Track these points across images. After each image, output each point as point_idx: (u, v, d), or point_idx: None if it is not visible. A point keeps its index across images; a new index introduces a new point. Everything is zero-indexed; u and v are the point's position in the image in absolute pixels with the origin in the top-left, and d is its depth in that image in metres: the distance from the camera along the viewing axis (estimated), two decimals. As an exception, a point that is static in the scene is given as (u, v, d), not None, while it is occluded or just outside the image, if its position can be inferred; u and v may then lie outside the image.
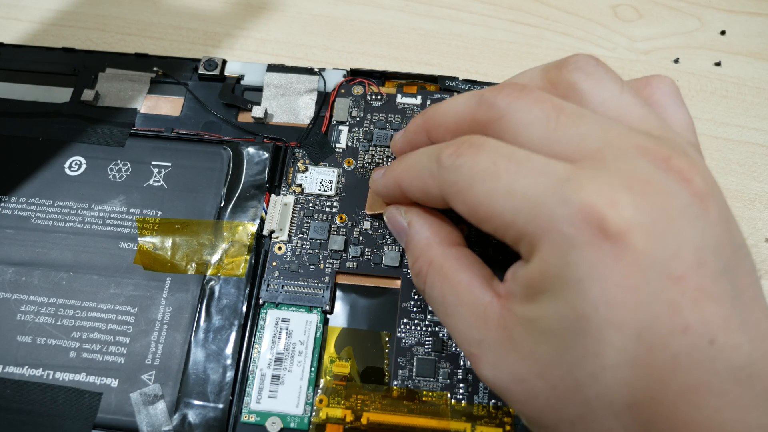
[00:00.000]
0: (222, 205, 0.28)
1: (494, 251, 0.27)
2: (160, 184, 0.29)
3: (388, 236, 0.28)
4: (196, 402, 0.24)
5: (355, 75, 0.32)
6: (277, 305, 0.26)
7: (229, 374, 0.25)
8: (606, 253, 0.14)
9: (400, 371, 0.25)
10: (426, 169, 0.19)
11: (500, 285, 0.18)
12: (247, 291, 0.26)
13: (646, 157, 0.15)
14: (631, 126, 0.17)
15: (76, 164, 0.29)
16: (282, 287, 0.27)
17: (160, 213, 0.28)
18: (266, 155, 0.29)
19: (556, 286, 0.15)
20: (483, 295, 0.18)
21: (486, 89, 0.19)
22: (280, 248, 0.27)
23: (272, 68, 0.32)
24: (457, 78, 0.31)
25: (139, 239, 0.28)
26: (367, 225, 0.28)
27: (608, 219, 0.14)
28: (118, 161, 0.29)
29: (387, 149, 0.30)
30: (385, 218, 0.23)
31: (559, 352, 0.15)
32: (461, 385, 0.25)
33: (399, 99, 0.31)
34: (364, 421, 0.24)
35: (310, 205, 0.28)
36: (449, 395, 0.25)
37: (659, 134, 0.16)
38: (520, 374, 0.16)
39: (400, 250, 0.27)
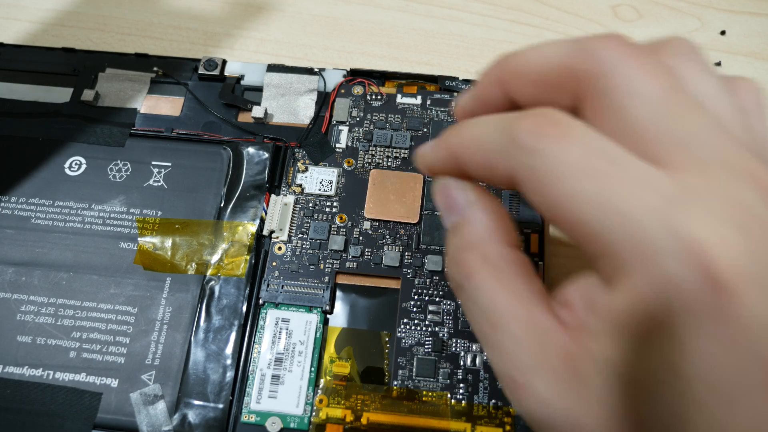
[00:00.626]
0: (222, 205, 0.28)
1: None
2: (160, 184, 0.29)
3: (387, 236, 0.28)
4: (196, 402, 0.24)
5: (355, 75, 0.32)
6: (277, 305, 0.26)
7: (229, 374, 0.25)
8: (716, 311, 0.12)
9: (400, 371, 0.25)
10: (493, 141, 0.16)
11: (564, 310, 0.15)
12: (247, 291, 0.26)
13: (757, 189, 0.13)
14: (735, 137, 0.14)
15: (76, 164, 0.29)
16: (282, 287, 0.27)
17: (160, 213, 0.28)
18: (266, 155, 0.29)
19: (652, 334, 0.13)
20: (542, 316, 0.15)
21: (584, 37, 0.15)
22: (280, 248, 0.27)
23: (272, 68, 0.32)
24: (457, 78, 0.31)
25: (139, 239, 0.28)
26: (367, 225, 0.28)
27: (719, 265, 0.12)
28: (118, 161, 0.29)
29: (387, 149, 0.30)
30: (434, 188, 0.19)
31: (640, 409, 0.13)
32: (461, 385, 0.25)
33: (399, 99, 0.31)
34: (364, 421, 0.24)
35: (310, 205, 0.28)
36: (449, 395, 0.25)
37: (758, 153, 0.14)
38: (579, 419, 0.14)
39: (400, 251, 0.27)
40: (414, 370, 0.25)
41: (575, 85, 0.16)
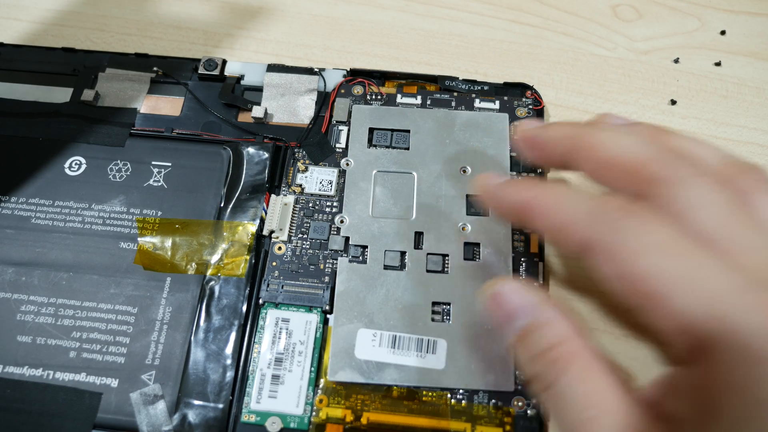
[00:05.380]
0: (222, 205, 0.28)
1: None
2: (160, 184, 0.29)
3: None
4: (196, 402, 0.24)
5: (355, 75, 0.32)
6: (277, 305, 0.26)
7: (229, 374, 0.25)
8: None
9: (400, 371, 0.25)
10: (578, 211, 0.17)
11: (656, 405, 0.16)
12: (247, 291, 0.26)
13: None
14: None
15: (76, 164, 0.29)
16: (282, 287, 0.27)
17: (160, 213, 0.28)
18: (266, 155, 0.29)
19: (740, 408, 0.13)
20: (635, 405, 0.16)
21: (661, 143, 0.18)
22: (280, 248, 0.27)
23: (272, 68, 0.32)
24: (457, 78, 0.31)
25: (139, 239, 0.28)
26: (367, 225, 0.28)
27: None
28: (118, 161, 0.29)
29: (387, 149, 0.30)
30: (488, 296, 0.19)
31: None
32: (461, 385, 0.25)
33: (399, 99, 0.31)
34: (364, 421, 0.24)
35: (310, 205, 0.28)
36: (449, 395, 0.25)
37: None
38: None
39: (400, 250, 0.27)
40: (414, 370, 0.25)
41: (642, 184, 0.17)
